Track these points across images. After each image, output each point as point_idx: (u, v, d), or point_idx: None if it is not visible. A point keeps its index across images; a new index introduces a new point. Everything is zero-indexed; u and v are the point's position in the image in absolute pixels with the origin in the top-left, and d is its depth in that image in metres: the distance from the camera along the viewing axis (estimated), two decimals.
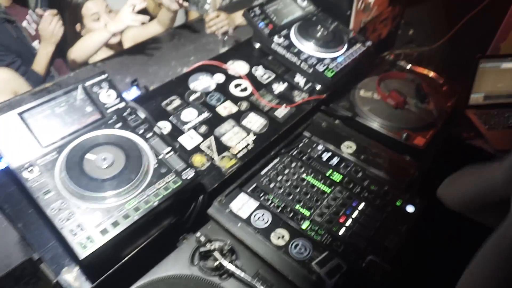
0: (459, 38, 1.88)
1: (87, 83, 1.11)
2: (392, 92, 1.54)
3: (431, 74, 1.72)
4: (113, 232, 0.89)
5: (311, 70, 1.48)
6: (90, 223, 0.89)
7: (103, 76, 1.14)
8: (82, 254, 0.85)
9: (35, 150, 0.98)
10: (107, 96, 1.12)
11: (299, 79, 1.54)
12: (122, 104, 1.14)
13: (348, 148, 1.40)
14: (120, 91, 1.14)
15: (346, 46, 1.59)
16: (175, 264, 1.00)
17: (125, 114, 1.12)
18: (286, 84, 1.52)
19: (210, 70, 1.50)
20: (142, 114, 1.13)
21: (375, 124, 1.49)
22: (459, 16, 1.86)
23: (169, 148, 1.07)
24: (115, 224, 0.90)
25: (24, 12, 2.02)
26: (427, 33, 2.01)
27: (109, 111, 1.11)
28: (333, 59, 1.52)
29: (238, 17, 1.90)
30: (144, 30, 1.92)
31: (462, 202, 0.89)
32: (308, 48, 1.53)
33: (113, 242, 0.89)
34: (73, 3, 1.93)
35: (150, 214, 0.95)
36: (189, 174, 1.03)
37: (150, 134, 1.09)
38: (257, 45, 1.62)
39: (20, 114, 1.01)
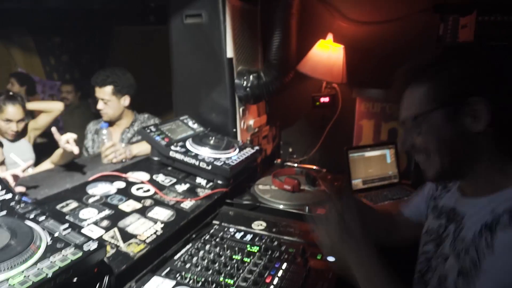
0: (328, 143, 2.27)
1: None
2: (286, 179, 1.69)
3: (315, 167, 1.97)
4: None
5: (210, 167, 1.58)
6: None
7: None
8: None
9: None
10: None
11: (201, 180, 1.61)
12: (9, 195, 1.03)
13: (259, 225, 1.41)
14: (6, 183, 1.05)
15: (238, 149, 1.77)
16: None
17: (12, 203, 1.01)
18: (188, 184, 1.57)
19: (109, 179, 1.49)
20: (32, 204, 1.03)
21: (280, 206, 1.57)
22: (322, 129, 2.29)
23: (67, 225, 0.96)
24: None
25: None
26: (303, 147, 2.37)
27: None
28: (228, 158, 1.66)
29: (135, 148, 1.98)
30: (36, 170, 1.84)
31: None
32: (204, 152, 1.66)
33: None
34: None
35: None
36: (92, 245, 0.92)
37: (42, 218, 0.98)
38: (156, 158, 1.69)
39: None
